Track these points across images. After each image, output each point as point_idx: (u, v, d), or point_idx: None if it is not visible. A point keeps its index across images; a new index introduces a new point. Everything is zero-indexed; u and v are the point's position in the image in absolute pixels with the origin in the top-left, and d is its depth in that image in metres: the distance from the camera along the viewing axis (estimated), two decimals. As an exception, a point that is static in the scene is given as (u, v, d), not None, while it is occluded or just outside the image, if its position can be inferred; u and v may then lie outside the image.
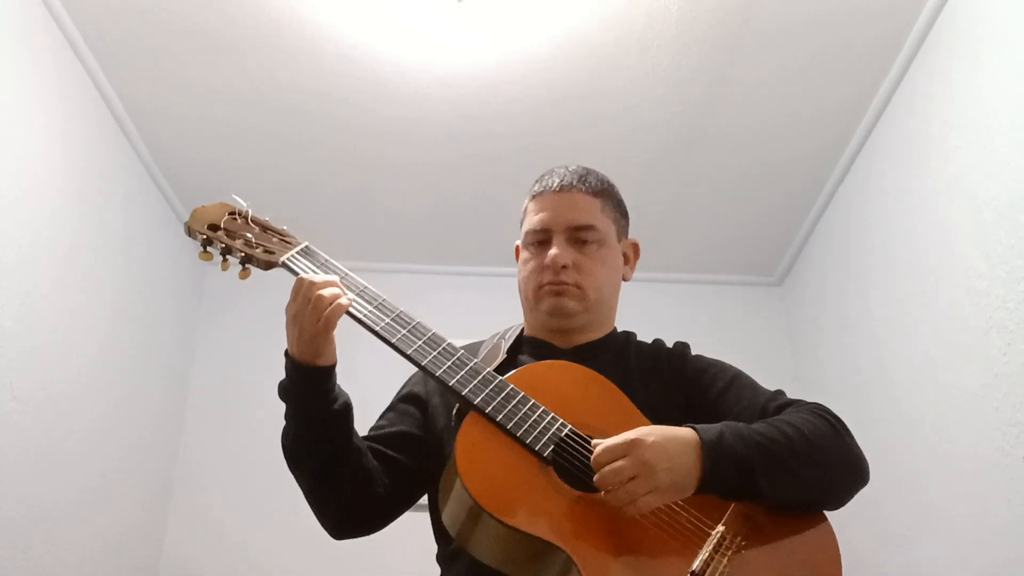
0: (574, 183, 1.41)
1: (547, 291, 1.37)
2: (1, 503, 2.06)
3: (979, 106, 2.07)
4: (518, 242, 1.48)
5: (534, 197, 1.45)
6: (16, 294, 2.13)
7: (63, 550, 2.33)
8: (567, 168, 1.45)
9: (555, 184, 1.42)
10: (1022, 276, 1.88)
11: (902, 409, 2.40)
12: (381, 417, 1.41)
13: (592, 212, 1.40)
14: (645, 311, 3.34)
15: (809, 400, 1.31)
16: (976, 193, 2.06)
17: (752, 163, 2.86)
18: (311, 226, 3.15)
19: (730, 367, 1.39)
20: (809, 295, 3.20)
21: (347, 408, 1.25)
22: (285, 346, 1.24)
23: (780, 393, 1.33)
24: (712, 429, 1.14)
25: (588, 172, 1.45)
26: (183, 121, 2.72)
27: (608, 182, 1.46)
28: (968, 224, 2.10)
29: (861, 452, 1.24)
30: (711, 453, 1.11)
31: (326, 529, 1.30)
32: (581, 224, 1.38)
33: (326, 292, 1.19)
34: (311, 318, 1.18)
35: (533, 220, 1.41)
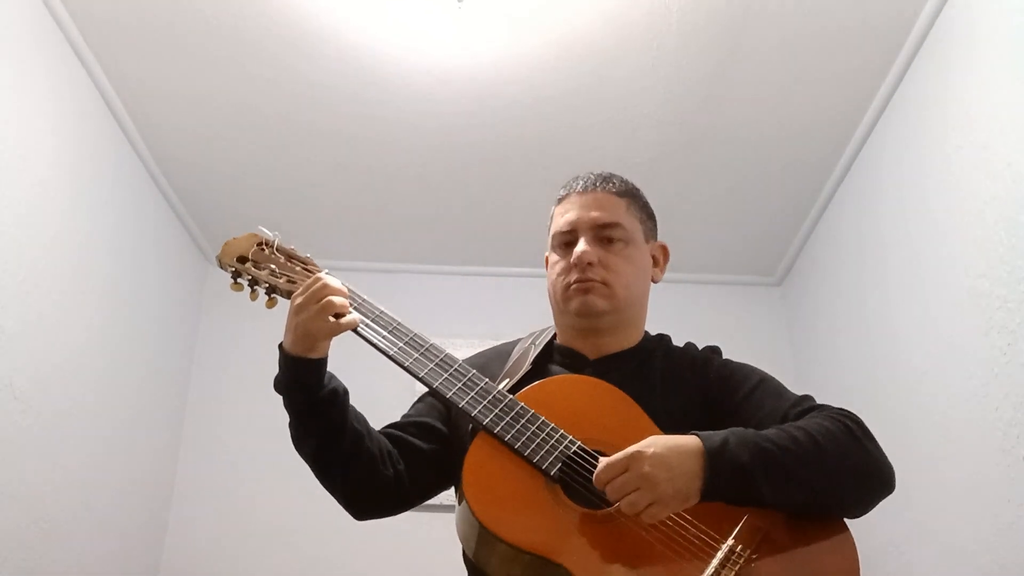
0: (598, 184, 1.44)
1: (575, 290, 1.37)
2: (1, 503, 2.06)
3: (979, 106, 2.07)
4: (547, 253, 1.48)
5: (560, 201, 1.47)
6: (17, 294, 2.13)
7: (63, 549, 2.33)
8: (591, 172, 1.47)
9: (579, 186, 1.44)
10: (1022, 276, 1.88)
11: (902, 409, 2.40)
12: (410, 408, 1.45)
13: (617, 211, 1.41)
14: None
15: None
16: (976, 193, 2.06)
17: (752, 163, 2.86)
18: (311, 226, 3.18)
19: (757, 372, 1.37)
20: (809, 295, 3.20)
21: (336, 394, 1.28)
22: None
23: (806, 398, 1.31)
24: (716, 436, 1.13)
25: (612, 175, 1.47)
26: (183, 121, 2.72)
27: (633, 185, 1.49)
28: (968, 224, 2.10)
29: (884, 458, 1.22)
30: (713, 460, 1.10)
31: (345, 509, 1.35)
32: (607, 222, 1.39)
33: (336, 300, 1.25)
34: (316, 317, 1.23)
35: (559, 222, 1.43)
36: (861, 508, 1.19)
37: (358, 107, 2.65)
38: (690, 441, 1.12)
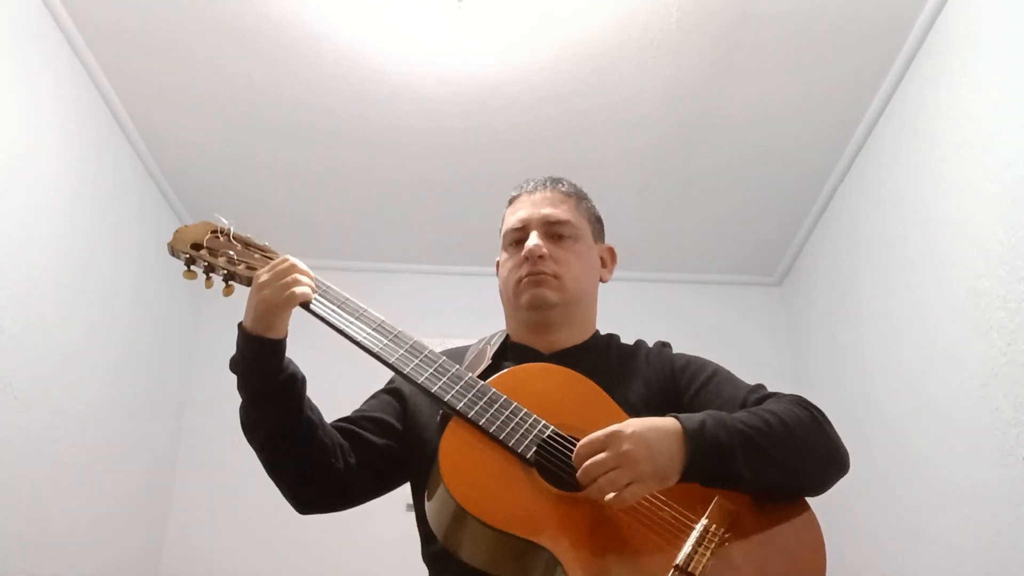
0: (548, 184, 1.48)
1: (527, 283, 1.39)
2: (1, 503, 2.06)
3: (980, 106, 2.07)
4: (499, 257, 1.51)
5: (511, 202, 1.51)
6: (17, 294, 2.13)
7: (63, 549, 2.33)
8: (541, 176, 1.51)
9: (530, 187, 1.49)
10: (1022, 276, 1.88)
11: (902, 409, 2.40)
12: (362, 404, 1.44)
13: (567, 209, 1.45)
14: (645, 311, 3.36)
15: (788, 392, 1.32)
16: (976, 193, 2.06)
17: (752, 163, 2.86)
18: (311, 225, 3.18)
19: (710, 363, 1.40)
20: (809, 295, 3.20)
21: (295, 378, 1.26)
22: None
23: (760, 387, 1.34)
24: (694, 418, 1.15)
25: (561, 178, 1.51)
26: (185, 122, 2.72)
27: (581, 189, 1.53)
28: (968, 224, 2.10)
29: (840, 441, 1.25)
30: (693, 440, 1.12)
31: (288, 501, 1.33)
32: (557, 219, 1.43)
33: (302, 279, 1.24)
34: (279, 292, 1.21)
35: (511, 220, 1.46)
36: (823, 487, 1.23)
37: (358, 107, 2.65)
38: (668, 422, 1.14)
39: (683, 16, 2.33)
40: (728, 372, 1.38)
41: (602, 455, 1.08)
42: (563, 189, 1.47)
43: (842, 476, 1.24)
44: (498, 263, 1.51)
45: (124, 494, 2.69)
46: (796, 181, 2.95)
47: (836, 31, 2.36)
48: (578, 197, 1.49)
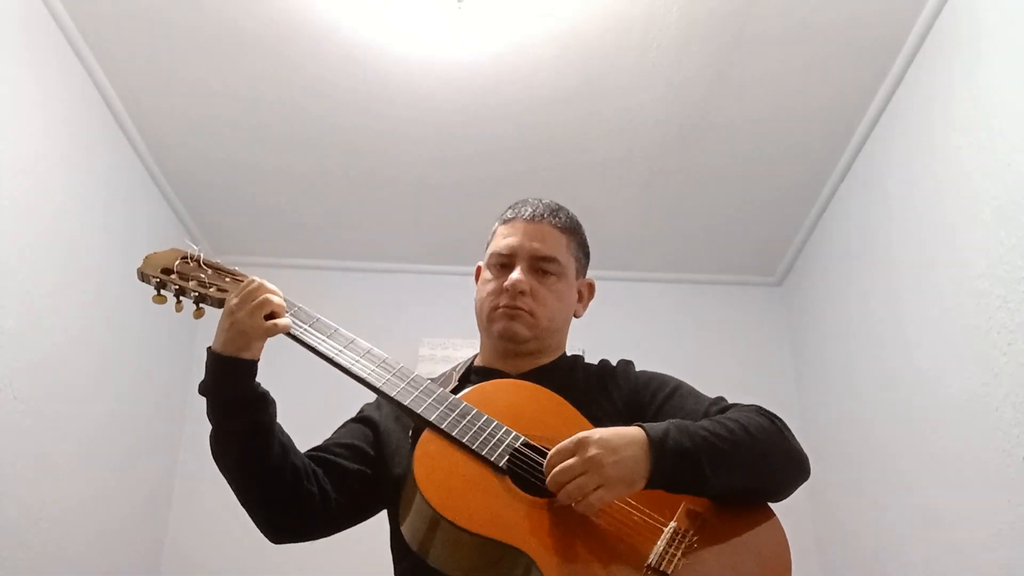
0: (545, 215, 1.48)
1: (501, 313, 1.41)
2: (1, 503, 2.06)
3: (980, 106, 2.07)
4: (480, 263, 1.52)
5: (505, 222, 1.51)
6: (17, 294, 2.14)
7: (63, 549, 2.33)
8: (540, 201, 1.51)
9: (527, 213, 1.49)
10: (1022, 276, 1.87)
11: (903, 409, 2.40)
12: (332, 433, 1.45)
13: (558, 246, 1.46)
14: (646, 311, 3.36)
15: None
16: (977, 193, 2.06)
17: (752, 163, 2.86)
18: (311, 225, 3.18)
19: (672, 378, 1.43)
20: (809, 295, 3.20)
21: (266, 401, 1.27)
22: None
23: (721, 399, 1.38)
24: (658, 426, 1.19)
25: (560, 208, 1.51)
26: (184, 121, 2.72)
27: (577, 221, 1.53)
28: (969, 224, 2.10)
29: (801, 448, 1.30)
30: (657, 446, 1.15)
31: (262, 531, 1.34)
32: (546, 255, 1.45)
33: (273, 299, 1.25)
34: (252, 315, 1.22)
35: (500, 244, 1.47)
36: (785, 492, 1.27)
37: (357, 107, 2.65)
38: (633, 430, 1.17)
39: (683, 16, 2.33)
40: (690, 387, 1.42)
41: (570, 461, 1.12)
42: (558, 224, 1.48)
43: (803, 481, 1.29)
44: (479, 268, 1.52)
45: (125, 495, 2.69)
46: (796, 181, 2.95)
47: (836, 31, 2.36)
48: (571, 233, 1.50)
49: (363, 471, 1.37)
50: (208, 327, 3.72)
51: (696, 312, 3.33)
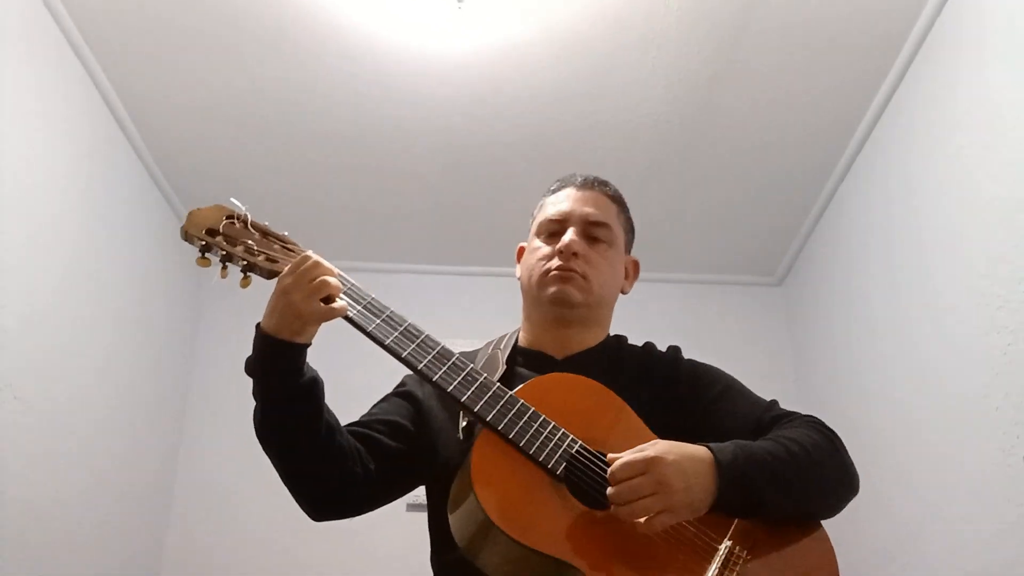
0: (595, 184, 1.47)
1: (555, 276, 1.37)
2: (2, 502, 2.06)
3: (982, 106, 2.07)
4: (522, 243, 1.49)
5: (554, 191, 1.48)
6: (18, 294, 2.13)
7: (64, 549, 2.33)
8: (588, 173, 1.50)
9: (578, 180, 1.47)
10: (1022, 276, 1.87)
11: (903, 410, 2.40)
12: (372, 407, 1.41)
13: (609, 213, 1.45)
14: (646, 311, 3.35)
15: (804, 410, 1.34)
16: (978, 193, 2.06)
17: (753, 163, 2.86)
18: (312, 225, 3.17)
19: (723, 374, 1.40)
20: (809, 295, 3.20)
21: (316, 382, 1.22)
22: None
23: (775, 404, 1.35)
24: (726, 450, 1.15)
25: (608, 181, 1.51)
26: (184, 121, 2.72)
27: (623, 197, 1.52)
28: (970, 224, 2.10)
29: (853, 464, 1.28)
30: (726, 475, 1.12)
31: (304, 509, 1.29)
32: (598, 220, 1.42)
33: (331, 281, 1.18)
34: (308, 299, 1.15)
35: (551, 210, 1.44)
36: (836, 511, 1.25)
37: (357, 107, 2.65)
38: (703, 452, 1.14)
39: (683, 16, 2.33)
40: (741, 384, 1.38)
41: (640, 479, 1.08)
42: (609, 192, 1.47)
43: (853, 497, 1.27)
44: (521, 248, 1.48)
45: (125, 494, 2.69)
46: (796, 181, 2.95)
47: (836, 30, 2.36)
48: (620, 205, 1.49)
49: (403, 449, 1.32)
50: (208, 327, 3.69)
51: (696, 312, 3.33)
